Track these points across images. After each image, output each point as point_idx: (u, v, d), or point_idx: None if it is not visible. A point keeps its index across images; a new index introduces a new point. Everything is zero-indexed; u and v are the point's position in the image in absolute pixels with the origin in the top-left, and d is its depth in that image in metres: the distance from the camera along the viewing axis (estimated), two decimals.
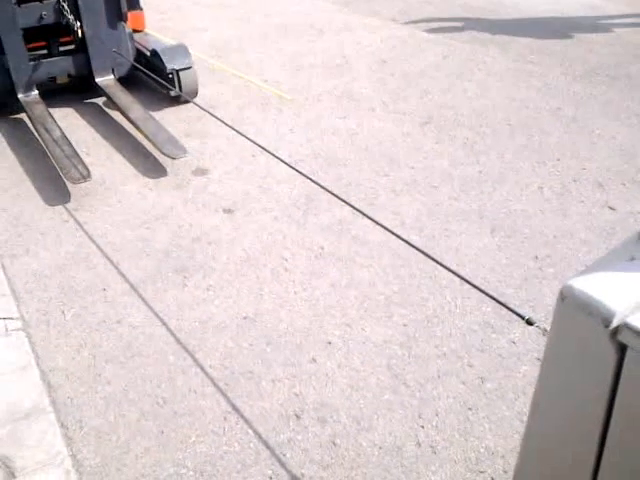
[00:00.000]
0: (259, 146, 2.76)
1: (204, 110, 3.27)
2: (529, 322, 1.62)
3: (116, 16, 4.37)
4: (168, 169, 3.66)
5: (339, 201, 3.06)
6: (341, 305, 2.57)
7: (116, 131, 4.16)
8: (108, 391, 2.26)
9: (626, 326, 0.80)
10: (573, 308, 0.85)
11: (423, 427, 2.04)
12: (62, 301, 2.71)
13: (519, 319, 2.29)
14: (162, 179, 3.58)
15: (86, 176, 3.43)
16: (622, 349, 0.82)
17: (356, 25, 5.92)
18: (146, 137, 3.84)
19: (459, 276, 1.81)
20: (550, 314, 2.25)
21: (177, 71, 4.30)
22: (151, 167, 3.71)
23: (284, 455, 1.98)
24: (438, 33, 5.53)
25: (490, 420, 2.04)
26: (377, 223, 2.14)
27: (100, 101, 4.55)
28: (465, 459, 1.93)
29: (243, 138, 3.77)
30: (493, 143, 3.69)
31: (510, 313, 2.28)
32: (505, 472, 1.88)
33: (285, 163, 2.63)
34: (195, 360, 2.35)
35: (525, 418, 1.92)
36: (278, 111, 4.32)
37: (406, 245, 2.70)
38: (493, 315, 2.45)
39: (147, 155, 3.84)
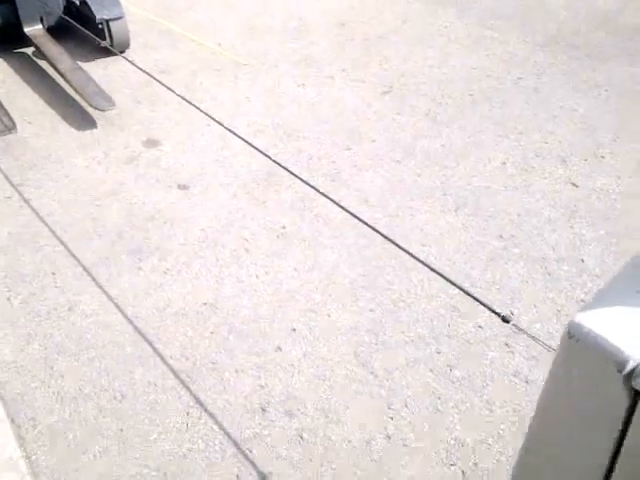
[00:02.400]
0: (213, 119, 2.62)
1: (153, 78, 3.08)
2: (505, 320, 1.56)
3: None
4: (118, 141, 3.48)
5: (303, 175, 2.97)
6: (305, 289, 2.49)
7: (46, 83, 4.06)
8: (62, 386, 2.14)
9: None
10: (582, 348, 0.79)
11: (392, 418, 2.00)
12: (8, 287, 2.56)
13: (489, 304, 2.26)
14: (111, 151, 3.40)
15: (11, 128, 3.42)
16: (635, 395, 0.77)
17: None
18: (74, 89, 3.79)
19: (431, 268, 1.75)
20: (516, 296, 2.22)
21: (107, 21, 4.23)
22: (98, 135, 3.52)
23: (250, 452, 1.92)
24: None
25: (459, 410, 2.01)
26: (341, 207, 2.05)
27: (29, 51, 4.39)
28: (436, 452, 1.90)
29: (200, 105, 3.62)
30: (455, 114, 3.62)
31: (477, 294, 2.25)
32: (475, 465, 1.86)
33: (243, 139, 2.50)
34: (154, 350, 2.25)
35: (493, 407, 1.90)
36: (234, 77, 4.14)
37: (373, 221, 2.63)
38: (460, 298, 2.42)
39: (95, 123, 3.64)
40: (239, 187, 3.09)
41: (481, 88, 3.89)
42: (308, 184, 2.14)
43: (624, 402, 0.77)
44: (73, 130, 3.61)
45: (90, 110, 3.72)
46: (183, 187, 3.11)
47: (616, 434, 0.80)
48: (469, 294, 1.60)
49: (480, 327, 2.30)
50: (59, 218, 2.91)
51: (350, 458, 1.89)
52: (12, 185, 3.13)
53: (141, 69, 3.02)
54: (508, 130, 3.45)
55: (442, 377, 2.12)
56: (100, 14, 4.25)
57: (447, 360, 2.18)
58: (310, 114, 3.68)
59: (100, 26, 4.25)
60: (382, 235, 1.82)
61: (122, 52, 4.41)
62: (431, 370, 2.15)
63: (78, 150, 3.41)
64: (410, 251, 2.40)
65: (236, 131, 3.43)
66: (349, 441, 1.93)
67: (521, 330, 1.55)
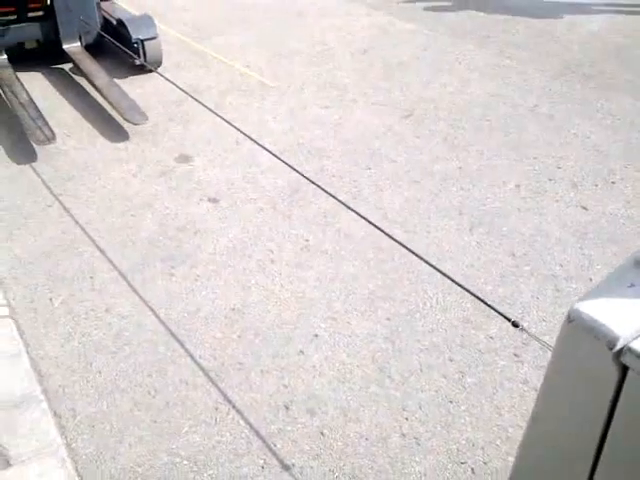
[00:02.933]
0: (247, 136, 2.81)
1: (190, 96, 3.29)
2: (515, 324, 1.71)
3: None
4: (152, 155, 3.68)
5: (323, 193, 3.14)
6: (327, 298, 2.65)
7: (83, 98, 4.33)
8: (99, 381, 2.31)
9: (629, 349, 0.89)
10: (580, 330, 0.94)
11: (407, 419, 2.14)
12: (49, 288, 2.73)
13: (496, 315, 2.41)
14: (145, 165, 3.59)
15: (51, 138, 3.63)
16: (624, 370, 0.91)
17: (336, 11, 5.94)
18: (110, 104, 4.02)
19: (449, 278, 1.90)
20: (526, 310, 2.36)
21: (142, 41, 4.47)
22: (133, 151, 3.72)
23: (275, 445, 2.06)
24: (418, 23, 5.58)
25: (470, 413, 2.15)
26: (364, 218, 2.21)
27: (67, 67, 4.71)
28: (447, 450, 2.04)
29: (226, 125, 3.82)
30: (472, 139, 3.79)
31: (487, 309, 2.40)
32: (485, 463, 1.99)
33: (274, 155, 2.68)
34: (185, 350, 2.41)
35: (502, 412, 2.04)
36: (261, 98, 4.35)
37: (389, 240, 2.79)
38: (472, 311, 2.56)
39: (129, 135, 3.85)
40: (265, 202, 3.27)
41: (498, 114, 4.05)
42: (335, 197, 2.31)
43: (614, 376, 0.92)
44: (109, 144, 3.82)
45: (125, 126, 3.93)
46: (213, 200, 3.29)
47: (608, 405, 0.94)
48: (480, 299, 1.75)
49: (491, 338, 2.44)
50: (97, 226, 3.10)
51: (367, 453, 2.03)
52: (53, 194, 3.33)
53: (178, 86, 3.24)
54: (522, 155, 3.61)
55: (454, 383, 2.26)
56: (136, 34, 4.51)
57: (459, 367, 2.32)
58: (333, 135, 3.86)
59: (135, 45, 4.51)
60: (402, 245, 1.98)
61: (154, 70, 4.67)
62: (444, 376, 2.29)
63: (114, 163, 3.61)
64: (426, 265, 2.57)
65: (262, 149, 3.63)
66: (366, 438, 2.08)
67: (530, 334, 1.70)
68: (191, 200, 3.30)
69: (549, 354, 2.25)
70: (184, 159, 3.65)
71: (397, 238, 2.83)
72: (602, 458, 0.98)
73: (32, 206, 3.25)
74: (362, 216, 2.28)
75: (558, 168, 3.49)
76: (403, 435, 2.09)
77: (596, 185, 3.33)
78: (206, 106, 3.03)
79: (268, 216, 3.16)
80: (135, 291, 2.70)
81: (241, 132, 2.86)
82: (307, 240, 2.99)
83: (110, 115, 4.13)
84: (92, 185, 3.42)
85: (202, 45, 5.17)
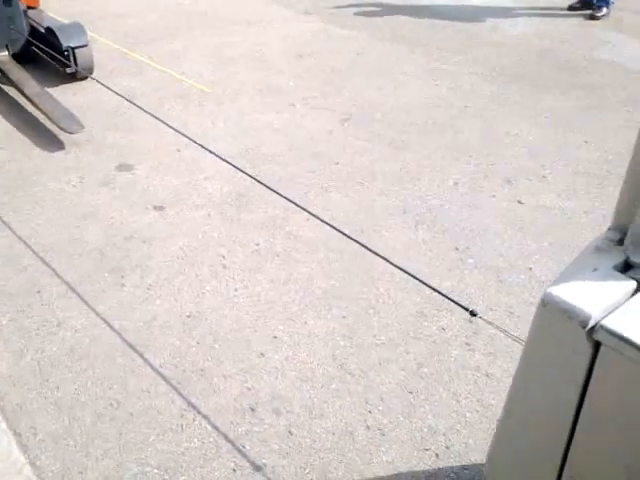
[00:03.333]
0: (192, 140, 2.82)
1: (128, 101, 3.26)
2: (472, 313, 1.80)
3: None
4: (91, 165, 3.62)
5: (270, 198, 3.19)
6: (282, 300, 2.68)
7: (14, 108, 4.23)
8: (58, 396, 2.27)
9: (600, 326, 0.98)
10: (554, 312, 1.03)
11: (370, 412, 2.20)
12: None
13: (446, 308, 2.52)
14: (86, 176, 3.53)
15: None
16: (596, 346, 1.00)
17: (272, 17, 5.98)
18: (43, 113, 3.94)
19: (405, 271, 1.98)
20: (473, 301, 2.47)
21: (73, 49, 4.40)
22: (72, 161, 3.65)
23: (244, 447, 2.09)
24: (351, 29, 5.69)
25: (430, 402, 2.24)
26: (318, 218, 2.27)
27: None
28: (411, 439, 2.11)
29: (165, 132, 3.81)
30: (410, 140, 3.91)
31: (437, 303, 2.51)
32: (447, 448, 2.08)
33: (222, 159, 2.70)
34: (144, 360, 2.40)
35: (459, 399, 2.13)
36: (199, 104, 4.34)
37: (339, 240, 2.86)
38: (423, 305, 2.65)
39: (65, 145, 3.77)
40: (212, 208, 3.27)
41: (433, 116, 4.19)
42: (287, 199, 2.36)
43: (588, 352, 1.00)
44: (46, 154, 3.73)
45: (61, 136, 3.86)
46: (159, 208, 3.27)
47: (582, 380, 1.03)
48: (438, 291, 1.84)
49: (443, 329, 2.54)
50: (40, 240, 3.03)
51: (335, 448, 2.08)
52: None
53: (117, 93, 3.21)
54: (459, 154, 3.75)
55: (412, 374, 2.34)
56: (67, 42, 4.43)
57: (416, 359, 2.40)
58: (275, 139, 3.90)
59: (66, 53, 4.43)
60: (359, 243, 2.04)
61: (86, 78, 4.61)
62: (402, 369, 2.37)
63: (53, 174, 3.54)
64: (376, 262, 2.65)
65: (204, 156, 3.65)
66: (333, 433, 2.13)
67: (487, 322, 1.79)
68: (136, 209, 3.27)
69: (498, 341, 2.37)
70: (126, 168, 3.61)
71: (340, 241, 2.91)
72: (578, 429, 1.07)
73: None
74: (315, 216, 2.34)
75: (492, 165, 3.65)
76: (368, 427, 2.15)
77: (529, 180, 3.50)
78: (152, 114, 3.01)
79: (216, 222, 3.17)
80: (86, 303, 2.66)
81: (188, 138, 2.87)
82: (257, 244, 3.02)
83: (43, 125, 4.05)
84: (31, 197, 3.34)
85: (136, 53, 5.11)
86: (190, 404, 2.23)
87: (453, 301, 1.86)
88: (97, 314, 2.60)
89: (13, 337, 2.50)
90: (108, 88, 3.37)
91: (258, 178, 3.35)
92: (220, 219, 3.19)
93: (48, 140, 3.89)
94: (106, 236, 3.06)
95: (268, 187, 2.47)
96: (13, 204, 3.27)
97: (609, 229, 1.14)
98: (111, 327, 2.54)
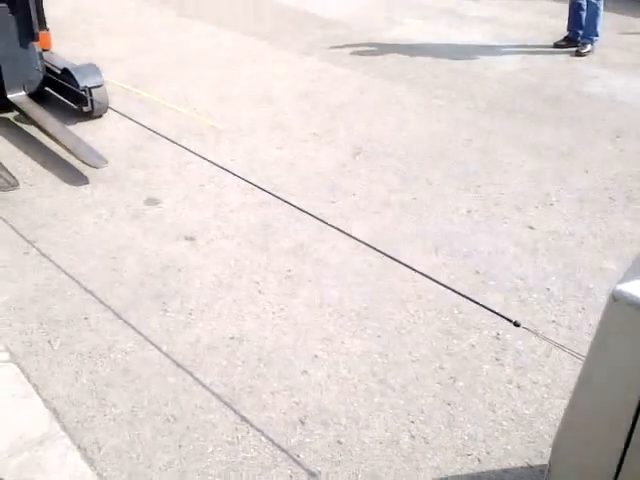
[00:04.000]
0: (227, 170, 3.00)
1: (161, 136, 3.44)
2: (516, 324, 1.99)
3: (28, 36, 4.66)
4: (120, 200, 3.79)
5: (294, 228, 3.38)
6: (318, 322, 2.85)
7: (37, 146, 4.39)
8: (116, 413, 2.40)
9: None
10: (624, 306, 1.21)
11: (413, 422, 2.36)
12: (45, 332, 2.79)
13: (473, 326, 2.70)
14: (116, 209, 3.69)
15: (14, 184, 3.79)
16: None
17: (269, 58, 6.23)
18: (66, 149, 4.11)
19: (448, 287, 2.16)
20: (498, 320, 2.62)
21: (89, 88, 4.58)
22: (100, 196, 3.81)
23: (298, 456, 2.23)
24: (350, 68, 5.96)
25: (467, 412, 2.40)
26: (352, 237, 2.44)
27: (11, 116, 4.77)
28: (453, 446, 2.27)
29: (187, 168, 4.00)
30: (420, 172, 4.13)
31: (464, 321, 2.69)
32: (488, 454, 2.24)
33: (257, 186, 2.88)
34: (195, 379, 2.54)
35: (495, 409, 2.30)
36: (215, 141, 4.54)
37: (364, 264, 3.05)
38: (451, 324, 2.83)
39: (91, 181, 3.94)
40: (241, 237, 3.44)
41: (438, 149, 4.43)
42: (322, 220, 2.53)
43: None
44: (74, 190, 3.89)
45: (86, 172, 4.02)
46: (190, 239, 3.43)
47: None
48: (482, 305, 2.02)
49: (473, 346, 2.71)
50: (80, 270, 3.17)
51: (383, 455, 2.23)
52: (28, 242, 3.37)
53: (147, 127, 3.39)
54: (467, 184, 3.98)
55: (448, 387, 2.51)
56: (83, 82, 4.62)
57: (450, 374, 2.57)
58: (291, 173, 4.10)
59: (83, 93, 4.63)
60: (398, 260, 2.22)
61: (100, 117, 4.80)
62: (438, 382, 2.53)
63: (83, 209, 3.69)
64: (402, 285, 2.83)
65: (226, 190, 3.84)
66: (380, 442, 2.28)
67: (532, 332, 1.96)
68: (168, 240, 3.43)
69: (525, 356, 2.54)
70: (153, 202, 3.78)
71: (374, 263, 3.09)
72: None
73: (9, 254, 3.28)
74: (351, 235, 2.52)
75: (501, 194, 3.87)
76: (412, 436, 2.30)
77: (537, 207, 3.72)
78: (189, 150, 3.19)
79: (246, 250, 3.34)
80: (133, 328, 2.80)
81: (220, 167, 3.05)
82: (289, 270, 3.19)
83: (67, 161, 4.21)
84: (66, 231, 3.49)
85: (145, 92, 5.30)
86: (243, 418, 2.37)
87: (497, 313, 2.05)
88: (144, 338, 2.74)
89: (66, 360, 2.63)
90: (139, 124, 3.55)
91: (281, 209, 3.56)
92: (250, 248, 3.36)
93: (73, 176, 4.04)
94: (143, 266, 3.21)
95: (301, 210, 2.65)
96: (49, 237, 3.41)
97: None
98: (159, 349, 2.68)
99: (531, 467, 2.20)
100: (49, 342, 2.72)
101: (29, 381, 2.53)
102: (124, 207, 3.72)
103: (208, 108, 5.05)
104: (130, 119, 3.80)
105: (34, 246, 3.34)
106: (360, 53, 6.39)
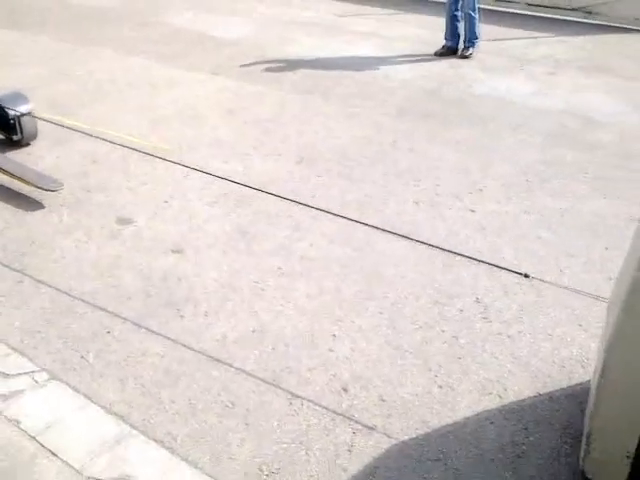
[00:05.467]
0: (219, 177, 3.25)
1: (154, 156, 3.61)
2: (526, 275, 2.47)
3: None
4: (90, 222, 3.89)
5: (271, 229, 3.70)
6: (325, 308, 3.19)
7: None
8: (176, 408, 2.60)
9: None
10: None
11: (437, 376, 2.78)
12: (73, 349, 2.91)
13: (458, 294, 3.17)
14: (91, 232, 3.80)
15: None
16: None
17: (182, 79, 6.44)
18: (15, 177, 4.15)
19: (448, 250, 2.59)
20: (472, 287, 3.09)
21: (19, 117, 4.62)
22: (69, 220, 3.89)
23: (353, 416, 2.57)
24: (263, 85, 6.31)
25: (476, 362, 2.85)
26: (350, 219, 2.82)
27: None
28: (475, 388, 2.71)
29: (144, 188, 4.19)
30: (362, 173, 4.58)
31: (448, 292, 3.15)
32: (505, 390, 2.70)
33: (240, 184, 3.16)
34: (236, 369, 2.80)
35: (497, 356, 2.76)
36: (161, 161, 4.70)
37: (345, 256, 3.43)
38: (436, 295, 3.29)
39: (56, 211, 4.00)
40: (224, 245, 3.70)
41: (370, 151, 4.91)
42: (318, 208, 2.89)
43: None
44: (40, 218, 3.94)
45: (44, 201, 4.06)
46: (177, 252, 3.64)
47: None
48: (492, 264, 2.48)
49: (461, 310, 3.18)
50: (82, 290, 3.29)
51: (422, 404, 2.63)
52: (16, 271, 3.42)
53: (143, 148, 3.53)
54: (407, 180, 4.48)
55: (453, 345, 2.95)
56: (13, 111, 4.64)
57: (451, 334, 3.02)
58: (248, 183, 4.38)
59: (12, 122, 4.65)
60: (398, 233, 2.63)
61: (28, 145, 4.82)
62: (444, 342, 2.97)
63: (58, 235, 3.77)
64: (384, 270, 3.25)
65: (191, 204, 4.07)
66: (416, 394, 2.67)
67: (540, 280, 2.43)
68: (156, 255, 3.61)
69: (507, 312, 3.00)
70: (125, 222, 3.92)
71: (350, 255, 3.49)
72: None
73: (2, 285, 3.32)
74: (344, 216, 2.89)
75: (437, 186, 4.41)
76: (440, 387, 2.72)
77: (471, 193, 4.30)
78: (174, 162, 3.40)
79: (234, 256, 3.60)
80: (158, 334, 2.99)
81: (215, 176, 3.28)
82: (280, 268, 3.50)
83: (16, 192, 4.21)
84: (51, 257, 3.56)
85: (71, 120, 5.33)
86: (293, 394, 2.67)
87: (506, 269, 2.51)
88: (173, 341, 2.95)
89: (107, 371, 2.78)
90: (110, 142, 3.69)
91: (251, 216, 3.86)
92: (236, 253, 3.63)
93: (31, 204, 4.08)
94: (142, 279, 3.38)
95: (285, 199, 2.98)
96: (37, 264, 3.48)
97: None
98: (191, 349, 2.90)
99: (540, 395, 2.68)
100: (82, 357, 2.85)
101: (79, 393, 2.66)
102: (98, 229, 3.84)
103: (142, 131, 5.19)
104: (106, 140, 3.90)
105: (25, 274, 3.40)
106: (267, 70, 6.76)
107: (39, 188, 4.10)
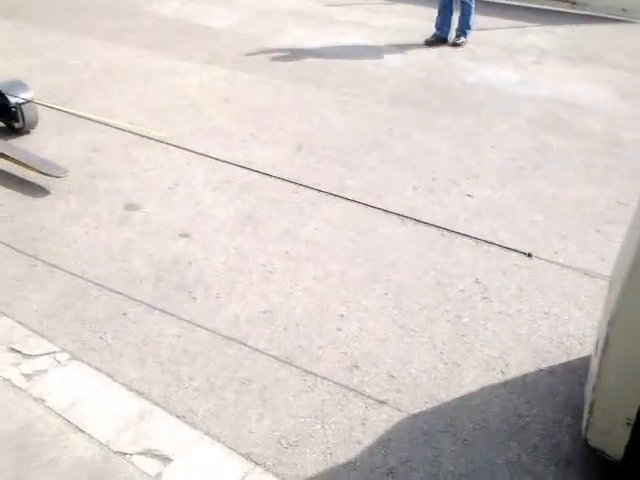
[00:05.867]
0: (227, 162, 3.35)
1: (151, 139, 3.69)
2: (530, 255, 2.61)
3: None
4: (99, 209, 3.97)
5: (276, 214, 3.81)
6: (331, 290, 3.31)
7: None
8: (195, 385, 2.72)
9: None
10: None
11: (442, 352, 2.91)
12: (91, 330, 3.01)
13: (458, 276, 3.30)
14: (100, 218, 3.88)
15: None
16: None
17: (176, 69, 6.49)
18: (20, 164, 4.20)
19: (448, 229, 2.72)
20: (471, 268, 3.23)
21: (20, 105, 4.67)
22: (77, 207, 3.97)
23: (365, 391, 2.70)
24: (256, 73, 6.39)
25: (479, 339, 3.00)
26: (357, 201, 2.94)
27: None
28: (480, 364, 2.85)
29: (149, 175, 4.27)
30: (360, 160, 4.69)
31: (449, 273, 3.28)
32: (507, 366, 2.84)
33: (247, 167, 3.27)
34: (250, 348, 2.91)
35: (499, 333, 2.90)
36: (163, 148, 4.78)
37: (348, 240, 3.55)
38: (438, 277, 3.42)
39: (63, 198, 4.07)
40: (231, 229, 3.80)
41: (367, 139, 5.02)
42: (320, 190, 3.00)
43: None
44: (48, 205, 4.01)
45: (53, 188, 4.14)
46: (184, 236, 3.73)
47: None
48: (496, 244, 2.61)
49: (462, 290, 3.32)
50: (95, 274, 3.38)
51: (430, 379, 2.76)
52: (29, 256, 3.50)
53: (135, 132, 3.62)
54: (404, 166, 4.61)
55: (457, 324, 3.09)
56: (14, 99, 4.69)
57: (454, 313, 3.16)
58: (248, 170, 4.48)
59: (14, 110, 4.70)
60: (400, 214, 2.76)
61: (28, 132, 4.88)
62: (448, 321, 3.11)
63: (67, 221, 3.85)
64: (387, 252, 3.37)
65: (196, 190, 4.17)
66: (423, 371, 2.81)
67: (543, 259, 2.58)
68: (164, 239, 3.70)
69: (505, 291, 3.14)
70: (133, 208, 4.01)
71: (354, 238, 3.60)
72: None
73: (15, 270, 3.39)
74: (348, 198, 3.01)
75: (434, 172, 4.54)
76: (446, 363, 2.86)
77: (467, 179, 4.43)
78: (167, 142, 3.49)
79: (241, 239, 3.71)
80: (173, 315, 3.10)
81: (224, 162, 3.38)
82: (287, 252, 3.61)
83: (21, 178, 4.28)
84: (62, 242, 3.64)
85: (70, 109, 5.38)
86: (306, 371, 2.79)
87: (511, 249, 2.65)
88: (188, 322, 3.05)
89: (125, 350, 2.89)
90: (112, 128, 3.76)
91: (254, 202, 3.96)
92: (243, 237, 3.73)
93: (37, 191, 4.14)
94: (153, 263, 3.48)
95: (291, 181, 3.10)
96: (49, 250, 3.56)
97: None
98: (206, 329, 3.01)
99: (542, 370, 2.83)
100: (101, 338, 2.95)
101: (100, 372, 2.76)
102: (107, 215, 3.92)
103: (141, 120, 5.25)
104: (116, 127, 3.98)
105: (38, 259, 3.47)
106: (260, 59, 6.84)
107: (44, 174, 4.16)
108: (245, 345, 2.92)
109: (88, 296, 3.21)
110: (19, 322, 3.03)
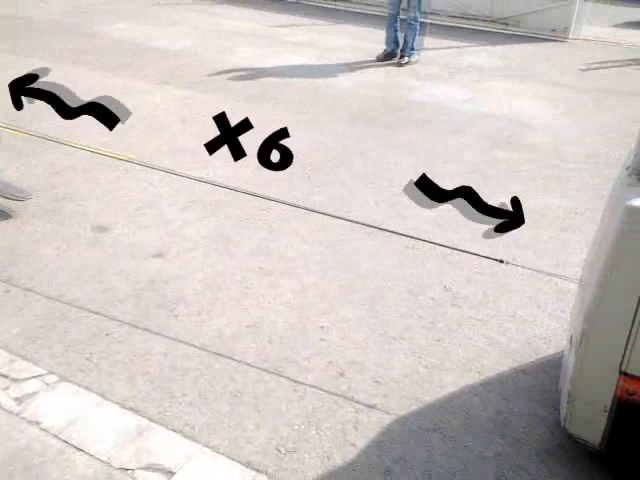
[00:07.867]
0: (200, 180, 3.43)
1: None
2: (501, 261, 2.79)
3: None
4: (67, 232, 3.97)
5: (246, 232, 3.90)
6: (310, 302, 3.42)
7: None
8: (188, 400, 2.77)
9: None
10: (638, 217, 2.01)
11: (421, 357, 3.06)
12: (76, 352, 3.02)
13: (427, 285, 3.48)
14: (70, 240, 3.88)
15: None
16: None
17: (133, 89, 6.51)
18: None
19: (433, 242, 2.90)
20: (439, 277, 3.43)
21: None
22: (44, 230, 3.96)
23: (353, 397, 2.81)
24: (213, 94, 6.48)
25: (454, 343, 3.16)
26: (345, 218, 3.08)
27: None
28: (458, 366, 3.01)
29: (114, 195, 4.30)
30: (326, 175, 4.84)
31: (419, 283, 3.45)
32: (482, 367, 3.02)
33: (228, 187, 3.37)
34: (238, 361, 2.99)
35: (472, 337, 3.08)
36: (125, 170, 4.81)
37: (319, 255, 3.68)
38: (411, 286, 3.58)
39: (28, 222, 4.05)
40: (204, 248, 3.87)
41: (330, 155, 5.18)
42: (296, 205, 3.13)
43: None
44: (15, 227, 3.97)
45: (17, 212, 4.10)
46: (158, 255, 3.78)
47: None
48: (470, 252, 2.79)
49: (433, 298, 3.49)
50: (72, 296, 3.38)
51: (414, 383, 2.90)
52: (3, 281, 3.47)
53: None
54: (367, 181, 4.78)
55: (432, 329, 3.25)
56: None
57: (429, 320, 3.32)
58: (225, 190, 4.56)
59: None
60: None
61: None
62: (424, 327, 3.27)
63: (37, 244, 3.83)
64: (362, 264, 3.52)
65: (163, 211, 4.22)
66: (405, 375, 2.95)
67: (516, 265, 2.76)
68: (138, 259, 3.74)
69: (473, 298, 3.34)
70: (102, 229, 4.02)
71: (321, 255, 3.74)
72: None
73: None
74: (336, 216, 3.15)
75: (393, 187, 4.73)
76: (426, 367, 3.01)
77: None
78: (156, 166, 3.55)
79: (215, 257, 3.78)
80: (157, 333, 3.14)
81: (196, 179, 3.46)
82: (261, 268, 3.70)
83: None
84: (34, 265, 3.62)
85: (27, 131, 5.33)
86: (295, 381, 2.89)
87: (484, 256, 2.83)
88: (173, 339, 3.10)
89: (114, 370, 2.91)
90: (73, 148, 3.78)
91: (224, 220, 4.04)
92: (216, 255, 3.81)
93: (1, 215, 4.10)
94: (130, 283, 3.51)
95: (283, 202, 3.22)
96: (23, 273, 3.54)
97: (629, 173, 2.17)
98: (192, 345, 3.07)
99: (514, 369, 3.02)
100: (87, 359, 2.97)
101: (91, 392, 2.78)
102: (76, 237, 3.92)
103: (104, 141, 5.24)
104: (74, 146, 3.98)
105: (11, 284, 3.45)
106: (214, 80, 6.93)
107: (6, 198, 4.12)
108: (233, 359, 2.99)
109: (68, 318, 3.22)
110: (0, 347, 3.01)
